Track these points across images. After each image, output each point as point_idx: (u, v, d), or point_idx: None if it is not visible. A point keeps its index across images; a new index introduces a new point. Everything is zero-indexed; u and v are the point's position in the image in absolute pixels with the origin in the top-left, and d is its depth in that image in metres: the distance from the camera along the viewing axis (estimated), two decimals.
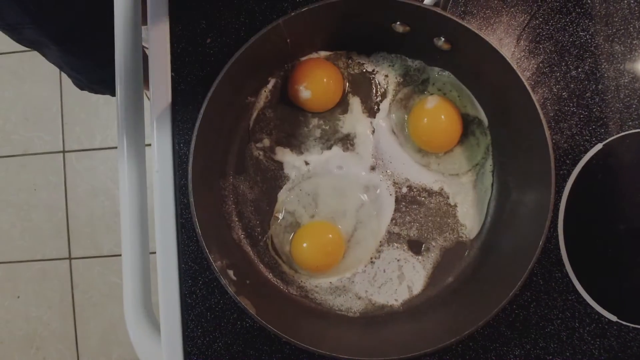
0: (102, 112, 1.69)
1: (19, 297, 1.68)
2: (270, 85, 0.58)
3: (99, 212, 1.67)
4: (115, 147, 1.71)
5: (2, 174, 1.72)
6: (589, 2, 0.59)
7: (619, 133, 0.57)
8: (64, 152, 1.70)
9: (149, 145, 0.60)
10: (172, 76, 0.58)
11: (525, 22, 0.59)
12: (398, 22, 0.53)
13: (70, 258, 1.67)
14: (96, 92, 1.22)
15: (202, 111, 0.49)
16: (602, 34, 0.59)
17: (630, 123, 0.57)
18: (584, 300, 0.56)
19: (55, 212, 1.67)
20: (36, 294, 1.67)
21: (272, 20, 0.49)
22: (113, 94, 1.24)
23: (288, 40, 0.53)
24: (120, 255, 0.62)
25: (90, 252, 1.67)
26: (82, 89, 1.20)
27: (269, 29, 0.49)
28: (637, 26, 0.58)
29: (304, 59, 0.57)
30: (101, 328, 1.65)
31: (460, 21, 0.48)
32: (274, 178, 0.57)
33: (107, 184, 1.68)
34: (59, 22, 0.93)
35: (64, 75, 1.73)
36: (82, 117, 1.70)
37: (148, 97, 0.65)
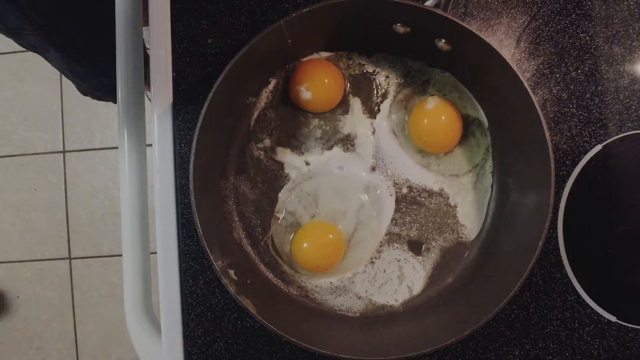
0: (102, 112, 1.69)
1: (18, 297, 1.68)
2: (271, 86, 0.58)
3: (99, 212, 1.67)
4: (116, 148, 1.71)
5: (2, 174, 1.72)
6: (589, 3, 0.59)
7: (618, 134, 0.57)
8: (64, 152, 1.70)
9: (150, 145, 0.60)
10: (173, 76, 0.59)
11: (525, 23, 0.59)
12: (399, 24, 0.53)
13: (70, 258, 1.67)
14: (99, 99, 1.22)
15: (203, 112, 0.49)
16: (601, 35, 0.59)
17: (629, 124, 0.57)
18: (584, 300, 0.56)
19: (55, 212, 1.68)
20: (36, 294, 1.67)
21: (274, 21, 0.50)
22: (115, 101, 1.24)
23: (289, 41, 0.53)
24: (120, 255, 0.62)
25: (90, 252, 1.67)
26: (84, 94, 1.20)
27: (270, 29, 0.49)
28: (637, 28, 0.58)
29: (305, 59, 0.58)
30: (101, 328, 1.65)
31: (460, 22, 0.48)
32: (275, 178, 0.58)
33: (107, 184, 1.68)
34: (59, 30, 0.93)
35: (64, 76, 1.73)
36: (82, 117, 1.71)
37: (149, 98, 0.65)
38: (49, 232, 1.68)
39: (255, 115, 0.58)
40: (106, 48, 1.00)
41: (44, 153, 1.71)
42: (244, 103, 0.57)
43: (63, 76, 1.73)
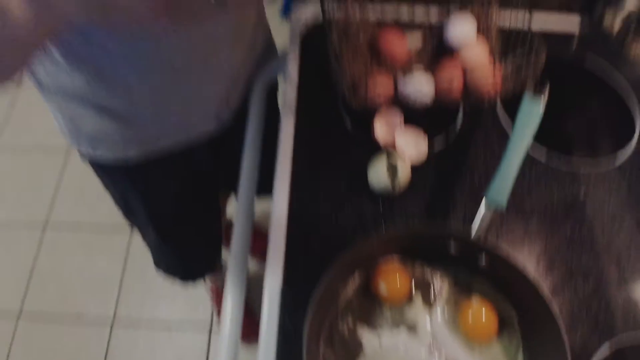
0: (157, 286, 1.85)
1: None
2: (356, 278, 0.77)
3: None
4: (161, 325, 1.80)
5: (47, 335, 1.82)
6: (591, 234, 0.80)
7: (622, 334, 0.73)
8: (112, 325, 1.83)
9: None
10: (283, 272, 0.79)
11: (542, 249, 0.80)
12: (451, 245, 0.75)
13: None
14: (167, 274, 1.38)
15: (312, 305, 0.67)
16: (603, 259, 0.79)
17: (631, 325, 0.73)
18: None
19: None
20: None
21: (360, 235, 0.71)
22: (184, 280, 1.40)
23: (373, 249, 0.75)
24: None
25: None
26: (157, 266, 1.37)
27: (365, 244, 0.71)
28: (632, 254, 0.79)
29: (382, 261, 0.77)
30: None
31: (495, 252, 0.70)
32: (354, 350, 0.72)
33: None
34: (170, 226, 1.16)
35: (130, 252, 1.91)
36: (137, 296, 1.86)
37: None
38: None
39: (342, 299, 0.76)
40: (194, 233, 1.22)
41: (92, 322, 1.84)
42: (335, 290, 0.76)
43: (128, 253, 1.91)
